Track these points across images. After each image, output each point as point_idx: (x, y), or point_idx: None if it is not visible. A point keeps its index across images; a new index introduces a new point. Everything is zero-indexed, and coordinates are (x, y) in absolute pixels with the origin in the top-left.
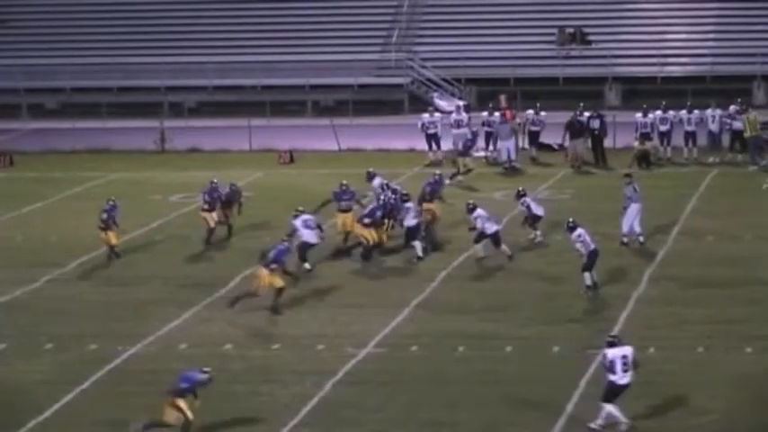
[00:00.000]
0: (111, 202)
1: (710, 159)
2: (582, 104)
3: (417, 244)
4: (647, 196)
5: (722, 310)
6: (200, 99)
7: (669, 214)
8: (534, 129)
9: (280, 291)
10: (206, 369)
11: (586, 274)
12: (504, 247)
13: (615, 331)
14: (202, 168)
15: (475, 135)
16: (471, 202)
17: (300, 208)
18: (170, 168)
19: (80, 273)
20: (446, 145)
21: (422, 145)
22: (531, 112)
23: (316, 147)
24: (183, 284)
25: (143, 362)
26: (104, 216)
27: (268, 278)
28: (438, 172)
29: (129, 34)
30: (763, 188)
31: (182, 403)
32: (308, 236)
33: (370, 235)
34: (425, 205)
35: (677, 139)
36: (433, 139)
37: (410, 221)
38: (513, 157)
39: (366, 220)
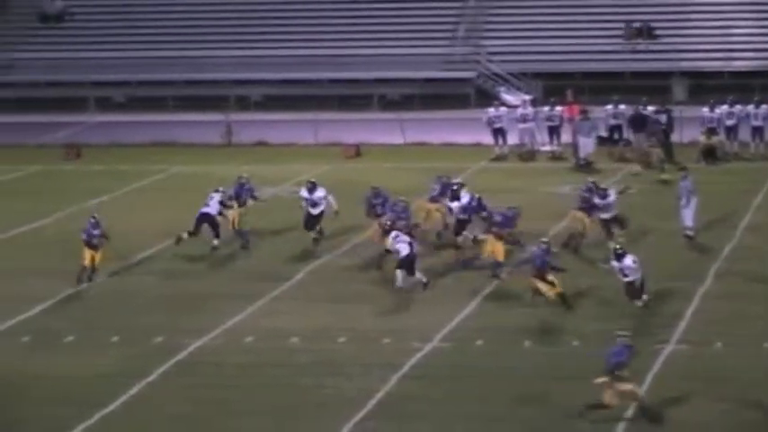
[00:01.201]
0: (92, 219)
1: None
2: (644, 99)
3: None
4: (713, 192)
5: None
6: (267, 92)
7: (735, 209)
8: (615, 122)
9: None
10: (622, 333)
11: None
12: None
13: (681, 327)
14: (268, 162)
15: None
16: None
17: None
18: (236, 162)
19: (145, 266)
20: (512, 139)
21: (488, 139)
22: (609, 106)
23: (381, 140)
24: (248, 277)
25: (209, 355)
26: (89, 234)
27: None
28: (591, 179)
29: (196, 27)
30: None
31: (620, 384)
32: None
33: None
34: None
35: (744, 135)
36: (499, 133)
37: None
38: (590, 150)
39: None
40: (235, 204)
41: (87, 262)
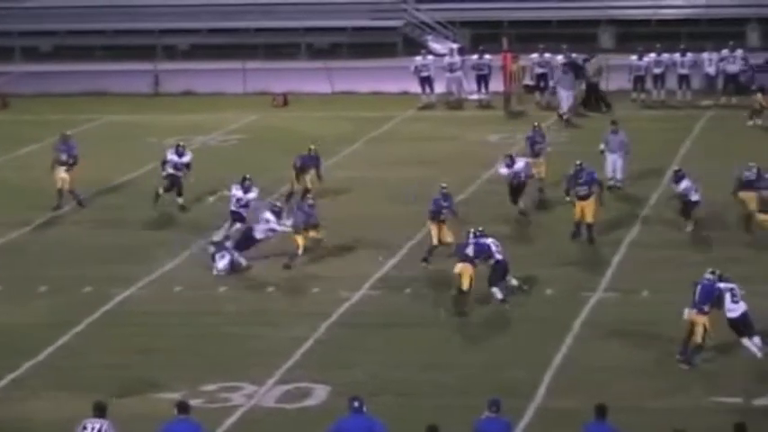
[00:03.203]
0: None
1: (705, 102)
2: (565, 47)
3: None
4: (640, 139)
5: (717, 252)
6: (194, 42)
7: (662, 157)
8: (541, 71)
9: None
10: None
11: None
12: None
13: (608, 276)
14: (196, 111)
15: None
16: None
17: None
18: (164, 111)
19: (75, 216)
20: (439, 88)
21: (415, 88)
22: (536, 55)
23: (309, 89)
24: (176, 227)
25: (137, 305)
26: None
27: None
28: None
29: None
30: None
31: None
32: None
33: None
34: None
35: (671, 83)
36: (426, 82)
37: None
38: (571, 103)
39: None
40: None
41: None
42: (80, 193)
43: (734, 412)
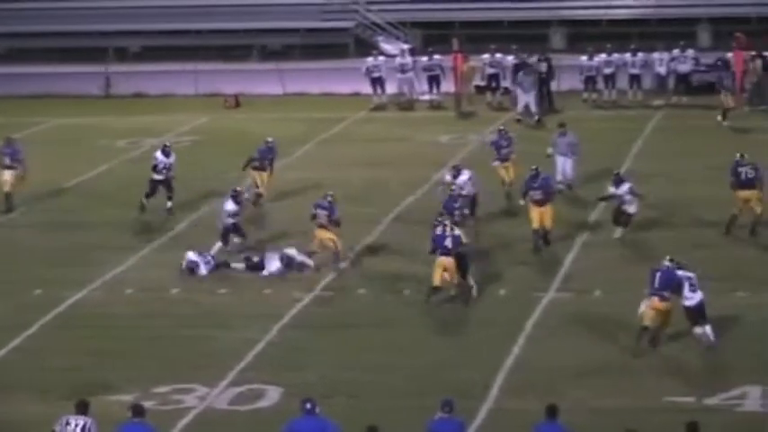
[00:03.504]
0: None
1: (656, 102)
2: (515, 47)
3: None
4: (591, 138)
5: (668, 252)
6: (145, 44)
7: (614, 157)
8: (492, 71)
9: None
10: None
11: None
12: None
13: (560, 275)
14: (148, 113)
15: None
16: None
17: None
18: (115, 113)
19: (24, 218)
20: (391, 89)
21: (367, 89)
22: (487, 55)
23: (261, 91)
24: (128, 229)
25: (89, 307)
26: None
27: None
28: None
29: None
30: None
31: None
32: None
33: None
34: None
35: (622, 83)
36: (378, 82)
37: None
38: (533, 109)
39: None
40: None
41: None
42: (17, 201)
43: (686, 412)
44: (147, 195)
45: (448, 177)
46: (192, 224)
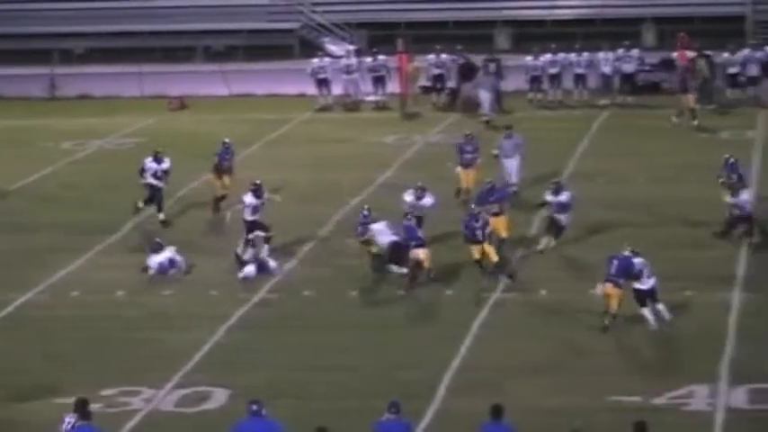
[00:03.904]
0: None
1: (602, 102)
2: (459, 47)
3: None
4: (537, 138)
5: (611, 252)
6: (90, 45)
7: (560, 157)
8: (437, 72)
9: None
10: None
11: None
12: None
13: (507, 273)
14: (93, 115)
15: None
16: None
17: None
18: (60, 115)
19: None
20: (336, 90)
21: (312, 90)
22: (432, 56)
23: (206, 92)
24: (74, 231)
25: (36, 309)
26: None
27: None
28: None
29: None
30: None
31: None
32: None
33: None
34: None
35: (567, 82)
36: (323, 83)
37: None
38: (486, 110)
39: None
40: None
41: None
42: None
43: (633, 411)
44: (146, 201)
45: (409, 197)
46: (136, 226)
